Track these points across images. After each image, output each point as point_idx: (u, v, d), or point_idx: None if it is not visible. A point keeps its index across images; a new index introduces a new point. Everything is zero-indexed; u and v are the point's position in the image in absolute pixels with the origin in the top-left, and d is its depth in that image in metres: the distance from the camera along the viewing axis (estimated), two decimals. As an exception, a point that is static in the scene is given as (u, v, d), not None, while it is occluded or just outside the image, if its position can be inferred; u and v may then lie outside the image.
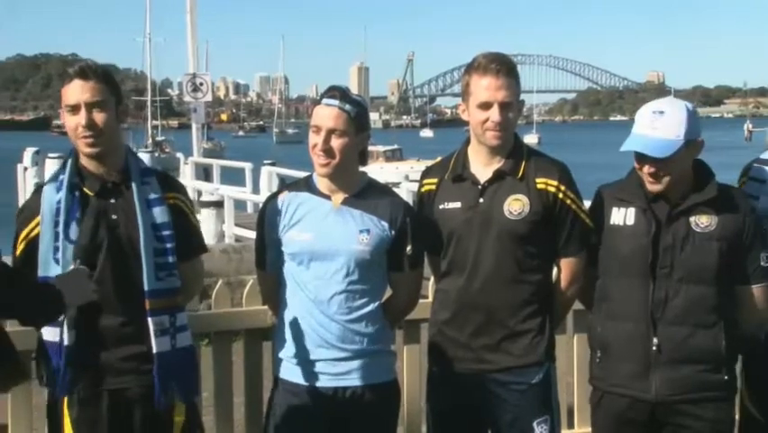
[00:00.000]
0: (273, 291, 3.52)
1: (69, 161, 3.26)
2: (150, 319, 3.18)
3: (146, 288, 3.18)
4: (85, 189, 3.23)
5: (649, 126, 3.31)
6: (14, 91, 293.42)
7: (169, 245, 3.24)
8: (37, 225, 3.20)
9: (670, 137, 3.28)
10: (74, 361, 3.16)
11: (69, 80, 3.18)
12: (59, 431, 3.24)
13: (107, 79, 3.23)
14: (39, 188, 3.31)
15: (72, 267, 3.06)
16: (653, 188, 3.34)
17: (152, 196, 3.26)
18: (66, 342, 3.13)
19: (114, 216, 3.22)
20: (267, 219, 3.45)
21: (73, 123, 3.17)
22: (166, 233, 3.24)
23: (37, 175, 22.27)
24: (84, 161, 3.25)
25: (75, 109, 3.16)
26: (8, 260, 3.11)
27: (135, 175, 3.26)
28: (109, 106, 3.19)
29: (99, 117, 3.16)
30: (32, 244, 3.20)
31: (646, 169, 3.32)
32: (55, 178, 3.26)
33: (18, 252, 3.25)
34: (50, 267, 3.13)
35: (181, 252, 3.30)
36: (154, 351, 3.19)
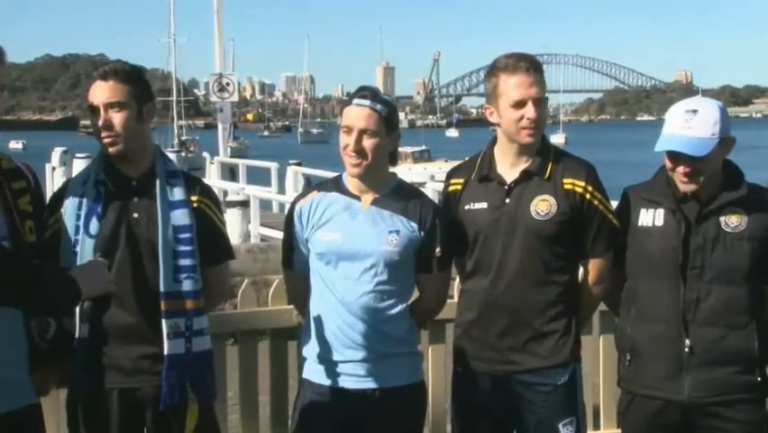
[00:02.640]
0: (300, 291, 3.52)
1: (98, 157, 3.32)
2: (163, 321, 3.20)
3: (161, 289, 3.20)
4: (109, 186, 3.27)
5: (683, 126, 3.28)
6: (43, 91, 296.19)
7: (188, 248, 3.25)
8: (62, 215, 3.25)
9: (705, 135, 3.26)
10: (86, 355, 3.19)
11: (92, 81, 3.25)
12: (76, 426, 3.29)
13: (131, 80, 3.25)
14: (66, 182, 3.38)
15: (92, 258, 3.07)
16: (687, 187, 3.31)
17: (176, 198, 3.28)
18: (77, 334, 3.16)
19: (135, 215, 3.25)
20: (295, 218, 3.45)
21: (95, 123, 3.24)
22: (186, 235, 3.25)
23: (65, 174, 22.48)
24: (112, 159, 3.29)
25: (95, 110, 3.23)
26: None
27: (161, 175, 3.29)
28: (128, 107, 3.22)
29: (116, 118, 3.21)
30: (55, 235, 3.24)
31: (681, 169, 3.29)
32: (83, 173, 3.33)
33: (45, 236, 3.29)
34: (69, 258, 3.17)
35: (206, 256, 3.31)
36: (165, 353, 3.20)
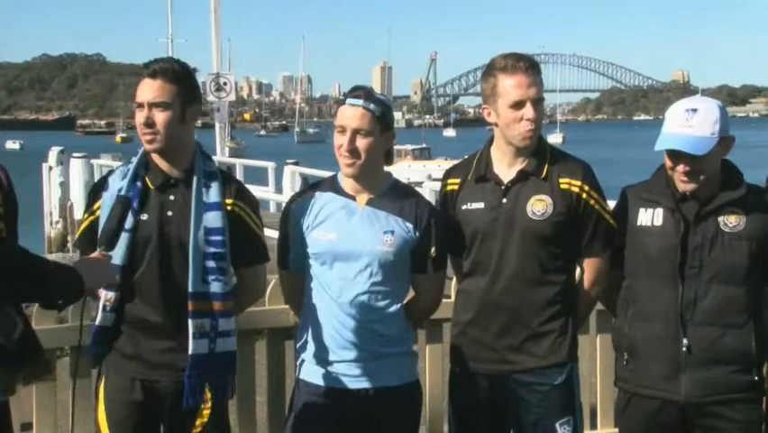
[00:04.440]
0: (295, 291, 3.52)
1: (140, 153, 3.37)
2: (190, 321, 3.23)
3: (190, 289, 3.24)
4: (148, 183, 3.31)
5: (684, 125, 3.28)
6: (40, 91, 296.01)
7: (219, 250, 3.27)
8: (100, 206, 3.31)
9: (705, 134, 3.26)
10: (108, 340, 3.26)
11: (142, 78, 3.29)
12: (97, 411, 3.35)
13: (178, 80, 3.27)
14: (107, 175, 3.44)
15: (97, 251, 3.08)
16: (687, 187, 3.31)
17: (211, 199, 3.31)
18: (99, 322, 3.24)
19: (169, 213, 3.29)
20: (291, 218, 3.45)
21: (138, 119, 3.28)
22: (217, 238, 3.28)
23: (62, 174, 22.48)
24: (153, 155, 3.34)
25: (140, 107, 3.27)
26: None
27: (198, 176, 3.32)
28: (172, 107, 3.25)
29: (159, 117, 3.24)
30: (95, 223, 3.30)
31: (681, 168, 3.29)
32: (124, 168, 3.39)
33: (82, 227, 3.39)
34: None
35: (240, 258, 3.36)
36: (189, 352, 3.24)
